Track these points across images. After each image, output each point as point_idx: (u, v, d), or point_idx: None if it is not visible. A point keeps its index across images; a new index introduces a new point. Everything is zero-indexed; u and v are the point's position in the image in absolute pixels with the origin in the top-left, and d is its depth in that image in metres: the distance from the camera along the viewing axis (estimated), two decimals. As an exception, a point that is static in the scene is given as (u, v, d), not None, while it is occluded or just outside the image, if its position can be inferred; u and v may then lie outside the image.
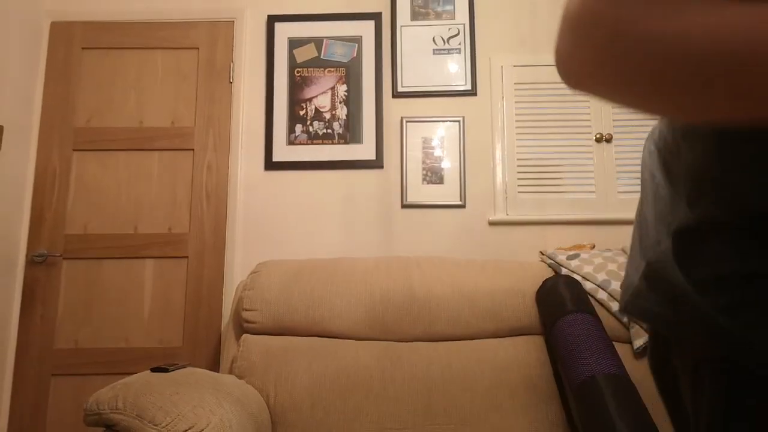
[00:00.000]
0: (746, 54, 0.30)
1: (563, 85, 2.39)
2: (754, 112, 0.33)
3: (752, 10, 0.31)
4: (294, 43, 2.47)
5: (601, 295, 1.76)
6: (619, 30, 0.34)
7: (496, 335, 1.79)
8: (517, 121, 2.38)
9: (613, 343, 1.61)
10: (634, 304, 0.54)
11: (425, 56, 2.45)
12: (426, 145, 2.38)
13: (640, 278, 0.53)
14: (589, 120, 2.36)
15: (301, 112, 2.42)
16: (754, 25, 0.31)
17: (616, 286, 1.76)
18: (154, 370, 1.42)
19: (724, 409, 0.45)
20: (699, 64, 0.32)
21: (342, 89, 2.43)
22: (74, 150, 2.40)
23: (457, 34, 2.46)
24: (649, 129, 2.38)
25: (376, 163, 2.37)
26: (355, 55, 2.46)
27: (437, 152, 2.37)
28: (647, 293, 0.52)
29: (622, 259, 1.84)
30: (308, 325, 1.78)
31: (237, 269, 2.32)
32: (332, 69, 2.45)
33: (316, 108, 2.42)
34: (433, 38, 2.46)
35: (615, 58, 0.35)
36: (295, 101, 2.43)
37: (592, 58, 0.36)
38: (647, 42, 0.33)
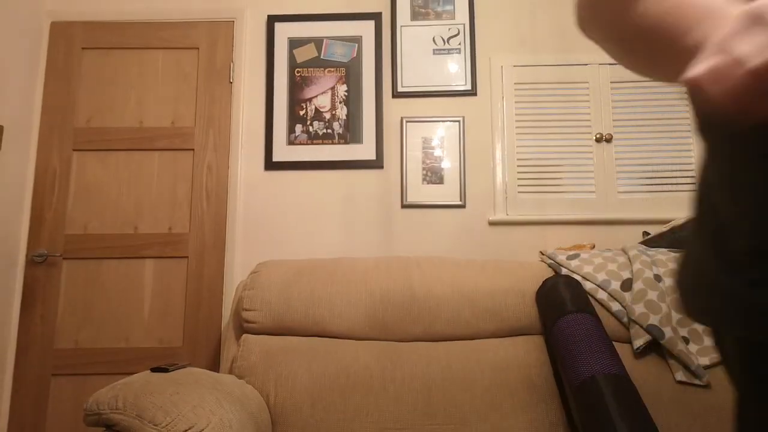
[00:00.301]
0: (655, 27, 0.45)
1: (563, 85, 2.39)
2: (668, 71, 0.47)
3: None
4: (294, 43, 2.47)
5: (601, 295, 1.76)
6: None
7: (496, 335, 1.78)
8: (517, 121, 2.38)
9: (613, 343, 1.61)
10: (687, 303, 0.55)
11: (425, 56, 2.45)
12: (426, 145, 2.38)
13: (690, 275, 0.54)
14: (589, 120, 2.36)
15: (301, 112, 2.42)
16: (663, 9, 0.46)
17: (616, 286, 1.76)
18: (154, 370, 1.42)
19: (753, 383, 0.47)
20: (634, 29, 0.49)
21: (342, 89, 2.43)
22: (74, 150, 2.40)
23: (457, 34, 2.46)
24: (650, 129, 2.38)
25: (376, 163, 2.37)
26: (355, 55, 2.46)
27: (437, 152, 2.37)
28: (693, 290, 0.53)
29: (622, 259, 1.84)
30: (308, 325, 1.78)
31: (237, 269, 2.32)
32: (332, 69, 2.45)
33: (316, 108, 2.42)
34: (433, 38, 2.46)
35: (595, 16, 0.54)
36: (295, 101, 2.43)
37: (585, 13, 0.56)
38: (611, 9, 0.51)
